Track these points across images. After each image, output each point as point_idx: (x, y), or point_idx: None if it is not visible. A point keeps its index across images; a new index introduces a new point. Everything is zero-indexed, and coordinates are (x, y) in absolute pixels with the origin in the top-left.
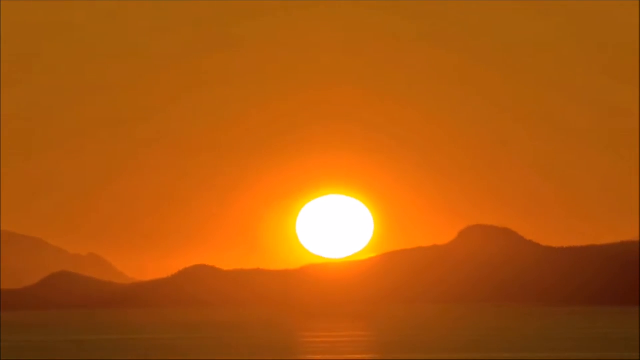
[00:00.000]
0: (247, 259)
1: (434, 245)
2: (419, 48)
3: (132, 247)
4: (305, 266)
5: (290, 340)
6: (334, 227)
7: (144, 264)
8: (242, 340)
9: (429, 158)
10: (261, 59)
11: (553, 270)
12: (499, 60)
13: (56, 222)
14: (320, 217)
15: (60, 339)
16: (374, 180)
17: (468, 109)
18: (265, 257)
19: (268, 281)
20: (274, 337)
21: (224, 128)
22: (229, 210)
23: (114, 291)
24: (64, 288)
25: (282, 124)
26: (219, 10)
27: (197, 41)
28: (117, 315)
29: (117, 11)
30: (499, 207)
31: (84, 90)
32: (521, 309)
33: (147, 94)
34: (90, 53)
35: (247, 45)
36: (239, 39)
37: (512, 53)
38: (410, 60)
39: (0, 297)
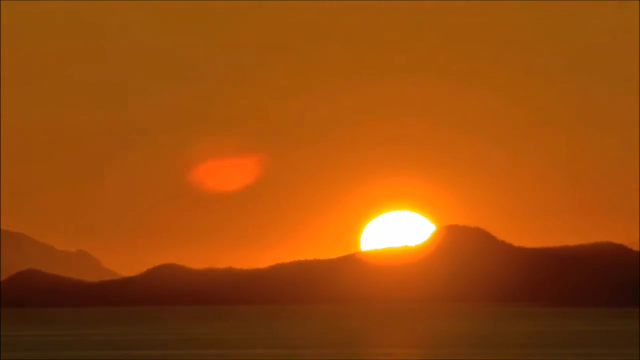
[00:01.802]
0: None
1: (404, 246)
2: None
3: (122, 244)
4: (274, 265)
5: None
6: None
7: (135, 261)
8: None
9: (402, 157)
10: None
11: (526, 271)
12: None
13: (46, 218)
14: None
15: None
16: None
17: (445, 108)
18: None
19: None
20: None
21: (240, 128)
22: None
23: (79, 289)
24: (28, 286)
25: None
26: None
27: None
28: (67, 314)
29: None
30: (471, 207)
31: (76, 89)
32: (493, 308)
33: (145, 93)
34: (84, 51)
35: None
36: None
37: (502, 54)
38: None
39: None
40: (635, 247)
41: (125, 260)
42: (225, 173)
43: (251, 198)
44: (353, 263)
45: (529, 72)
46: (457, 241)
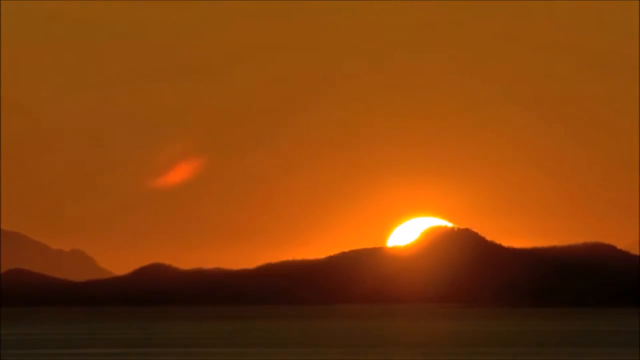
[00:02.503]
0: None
1: (394, 246)
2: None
3: (119, 244)
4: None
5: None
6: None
7: (133, 261)
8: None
9: (393, 161)
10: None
11: (515, 271)
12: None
13: (42, 217)
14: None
15: None
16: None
17: (433, 107)
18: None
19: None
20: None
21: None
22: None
23: (65, 289)
24: (13, 286)
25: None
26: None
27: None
28: (47, 313)
29: None
30: (460, 207)
31: (75, 89)
32: (482, 309)
33: (148, 90)
34: (82, 48)
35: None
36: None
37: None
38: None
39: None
40: (625, 248)
41: (121, 260)
42: (221, 173)
43: (245, 199)
44: (340, 264)
45: (524, 72)
46: (446, 242)
